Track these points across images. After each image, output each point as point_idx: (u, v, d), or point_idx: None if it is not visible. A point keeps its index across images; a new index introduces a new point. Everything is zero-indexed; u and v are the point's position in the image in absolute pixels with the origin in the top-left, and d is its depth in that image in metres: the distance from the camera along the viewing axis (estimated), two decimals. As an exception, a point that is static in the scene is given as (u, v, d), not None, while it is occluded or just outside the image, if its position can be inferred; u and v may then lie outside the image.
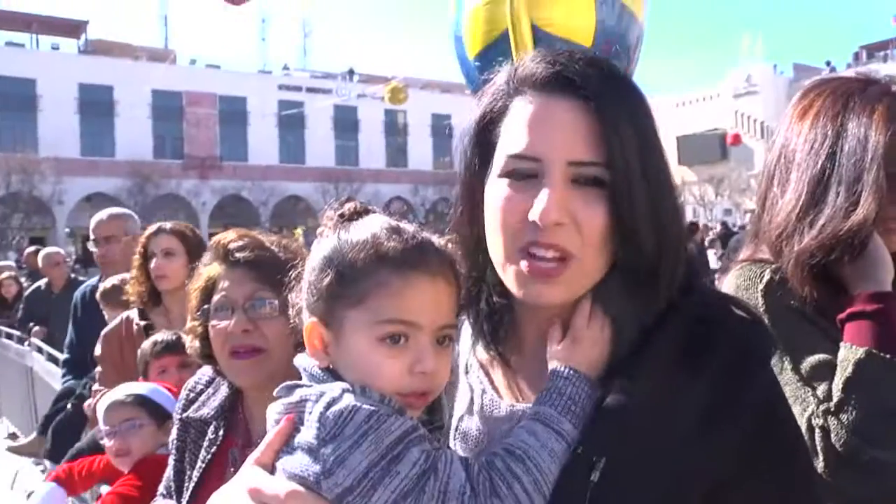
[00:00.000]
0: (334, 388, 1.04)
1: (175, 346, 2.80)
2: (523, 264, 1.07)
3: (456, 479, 0.98)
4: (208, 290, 1.77)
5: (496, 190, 1.10)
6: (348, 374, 1.07)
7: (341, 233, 1.11)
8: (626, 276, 1.08)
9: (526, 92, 1.11)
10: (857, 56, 67.84)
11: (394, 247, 1.07)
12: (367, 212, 1.16)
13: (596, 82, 1.06)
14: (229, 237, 1.77)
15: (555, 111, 1.07)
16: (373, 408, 1.00)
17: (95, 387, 3.60)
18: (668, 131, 67.48)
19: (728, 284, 1.62)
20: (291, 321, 1.19)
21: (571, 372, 1.07)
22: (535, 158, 1.06)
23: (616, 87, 1.09)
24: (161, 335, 2.97)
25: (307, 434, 1.01)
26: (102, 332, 3.65)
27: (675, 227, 1.10)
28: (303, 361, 1.13)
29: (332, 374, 1.09)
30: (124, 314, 3.67)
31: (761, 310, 1.51)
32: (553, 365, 1.10)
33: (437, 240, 1.14)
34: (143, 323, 3.50)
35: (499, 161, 1.11)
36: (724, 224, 15.30)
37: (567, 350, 1.10)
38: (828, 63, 69.88)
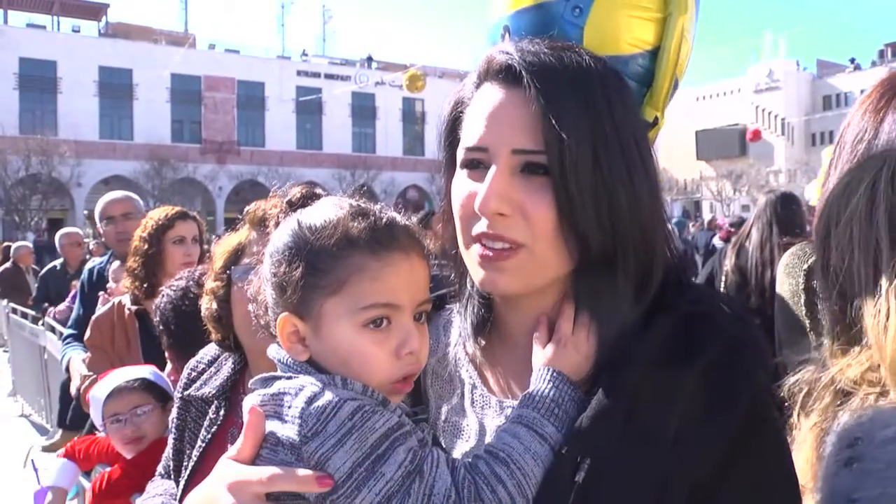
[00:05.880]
0: (315, 381, 1.01)
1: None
2: (475, 250, 1.07)
3: (441, 482, 0.95)
4: (236, 253, 1.76)
5: (456, 181, 1.11)
6: (331, 364, 1.04)
7: (300, 220, 1.07)
8: (606, 275, 1.05)
9: (486, 83, 1.10)
10: (881, 54, 67.12)
11: (364, 228, 1.03)
12: (314, 196, 1.13)
13: (547, 71, 1.04)
14: (268, 205, 1.76)
15: (505, 101, 1.06)
16: (357, 403, 0.97)
17: (85, 372, 3.57)
18: (688, 125, 67.11)
19: (780, 264, 1.72)
20: (256, 318, 1.15)
21: (555, 374, 1.05)
22: (484, 149, 1.06)
23: (572, 76, 1.04)
24: None
25: (288, 430, 0.98)
26: (93, 317, 3.62)
27: (639, 225, 1.06)
28: (278, 353, 1.09)
29: (313, 364, 1.05)
30: (115, 299, 3.64)
31: (800, 287, 1.56)
32: (537, 367, 1.08)
33: (400, 216, 1.11)
34: (134, 308, 3.45)
35: (459, 153, 1.11)
36: (742, 221, 15.20)
37: (552, 353, 1.07)
38: (852, 60, 69.24)
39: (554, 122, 1.01)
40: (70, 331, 4.42)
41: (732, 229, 12.64)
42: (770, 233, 3.95)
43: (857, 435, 1.04)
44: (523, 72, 1.04)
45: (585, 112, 1.02)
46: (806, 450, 1.10)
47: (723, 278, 4.27)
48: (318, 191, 1.15)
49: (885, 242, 1.06)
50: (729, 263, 4.10)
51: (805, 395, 1.14)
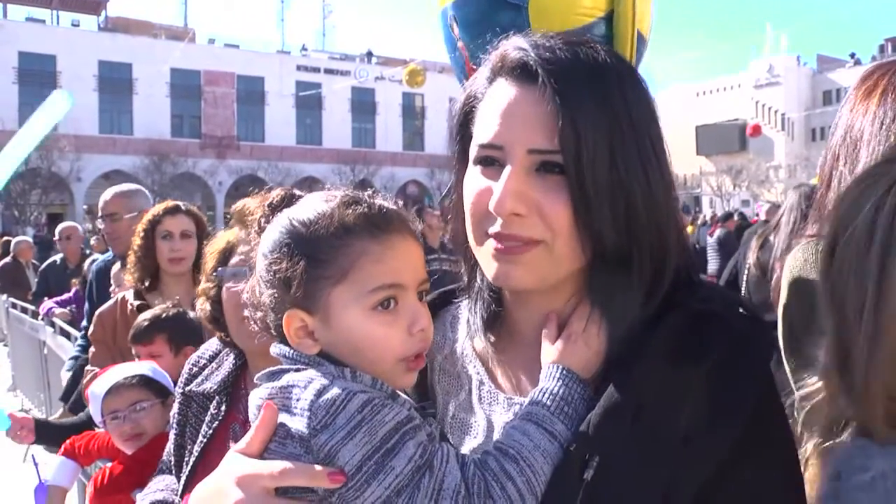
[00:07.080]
0: (324, 373, 1.01)
1: (141, 337, 2.82)
2: (490, 245, 1.06)
3: (451, 477, 0.95)
4: (226, 254, 1.76)
5: (469, 178, 1.10)
6: (343, 352, 1.04)
7: (291, 217, 1.08)
8: (616, 272, 1.05)
9: (500, 78, 1.09)
10: (882, 49, 67.05)
11: (359, 215, 1.05)
12: (294, 197, 1.14)
13: (563, 69, 1.02)
14: (255, 204, 1.75)
15: (520, 99, 1.05)
16: (366, 395, 0.97)
17: (87, 367, 3.55)
18: (688, 120, 67.08)
19: (794, 260, 1.58)
20: (255, 321, 1.14)
21: (565, 372, 1.05)
22: (499, 147, 1.05)
23: (588, 73, 1.03)
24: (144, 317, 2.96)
25: (297, 423, 0.97)
26: (97, 312, 3.61)
27: (654, 223, 1.05)
28: (282, 349, 1.09)
29: (324, 356, 1.05)
30: (119, 294, 3.63)
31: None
32: (546, 364, 1.07)
33: (388, 201, 1.12)
34: (137, 303, 3.43)
35: (473, 149, 1.10)
36: (741, 215, 15.26)
37: (561, 350, 1.07)
38: (852, 55, 69.16)
39: (570, 121, 0.99)
40: (82, 342, 4.33)
41: (719, 223, 13.13)
42: (798, 227, 3.89)
43: (839, 469, 1.02)
44: (539, 69, 1.02)
45: (602, 110, 1.01)
46: (811, 469, 1.08)
47: (745, 273, 4.22)
48: (297, 192, 1.16)
49: (873, 278, 0.98)
50: (752, 258, 4.06)
51: (808, 412, 1.11)
